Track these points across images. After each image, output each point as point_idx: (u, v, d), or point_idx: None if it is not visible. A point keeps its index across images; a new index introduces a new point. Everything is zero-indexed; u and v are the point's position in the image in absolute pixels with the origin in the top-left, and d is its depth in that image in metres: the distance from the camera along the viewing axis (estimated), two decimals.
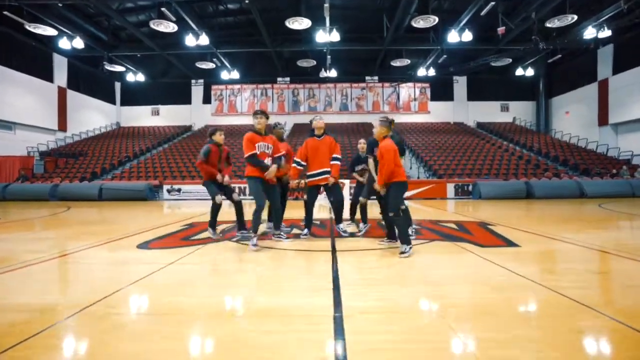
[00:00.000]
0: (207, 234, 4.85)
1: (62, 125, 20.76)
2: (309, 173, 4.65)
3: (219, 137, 4.74)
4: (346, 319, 2.03)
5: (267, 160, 4.19)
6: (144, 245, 4.36)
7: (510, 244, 4.29)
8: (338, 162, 4.64)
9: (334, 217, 4.98)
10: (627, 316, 2.03)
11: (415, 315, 2.16)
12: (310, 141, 4.67)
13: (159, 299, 2.46)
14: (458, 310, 2.18)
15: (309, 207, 4.77)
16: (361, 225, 5.14)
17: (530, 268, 3.17)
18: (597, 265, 3.43)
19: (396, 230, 3.97)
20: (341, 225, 4.84)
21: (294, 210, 8.88)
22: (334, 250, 4.03)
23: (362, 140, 5.37)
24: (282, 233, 4.65)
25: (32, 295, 2.53)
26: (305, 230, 4.82)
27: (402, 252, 3.61)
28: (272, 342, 1.78)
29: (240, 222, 4.68)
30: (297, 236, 4.96)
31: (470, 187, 13.14)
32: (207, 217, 5.63)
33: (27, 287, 2.73)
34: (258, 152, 4.14)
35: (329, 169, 4.60)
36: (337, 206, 4.72)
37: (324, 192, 4.82)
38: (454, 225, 5.77)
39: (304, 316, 2.12)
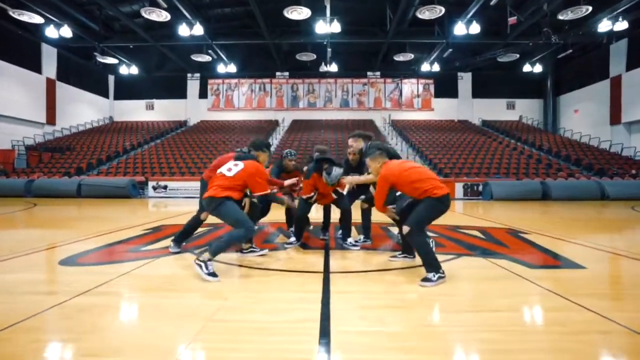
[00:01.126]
0: (167, 242, 4.00)
1: (51, 119, 19.92)
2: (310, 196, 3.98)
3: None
4: None
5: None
6: (71, 260, 3.32)
7: (568, 263, 3.24)
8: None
9: (340, 231, 4.15)
10: None
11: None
12: (317, 175, 3.80)
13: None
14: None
15: (299, 220, 4.04)
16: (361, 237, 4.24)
17: (623, 308, 2.17)
18: None
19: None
20: (350, 240, 3.96)
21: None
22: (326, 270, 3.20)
23: (352, 143, 4.19)
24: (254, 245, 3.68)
25: None
26: (293, 239, 4.09)
27: (426, 280, 2.60)
28: None
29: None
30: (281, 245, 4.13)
31: (480, 187, 12.26)
32: (182, 219, 4.86)
33: None
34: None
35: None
36: (346, 217, 3.97)
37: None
38: (478, 233, 4.76)
39: None
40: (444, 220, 3.79)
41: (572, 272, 2.97)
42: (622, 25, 14.42)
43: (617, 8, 14.18)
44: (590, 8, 14.13)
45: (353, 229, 4.23)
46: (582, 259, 3.36)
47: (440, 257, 2.91)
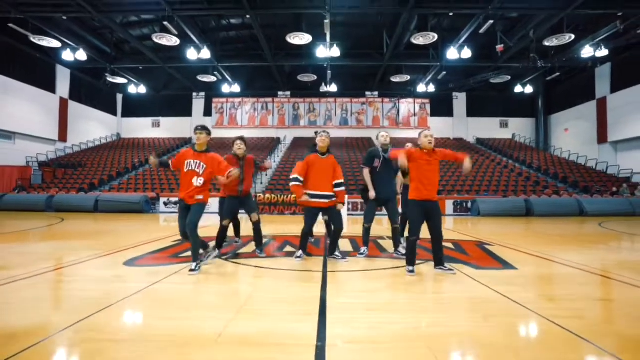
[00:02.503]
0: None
1: (63, 136, 20.81)
2: (309, 192, 4.21)
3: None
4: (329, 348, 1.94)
5: (196, 180, 3.78)
6: (131, 262, 4.25)
7: (506, 265, 4.18)
8: (344, 189, 4.33)
9: (329, 245, 4.61)
10: (628, 351, 1.93)
11: (401, 345, 2.03)
12: (314, 158, 4.24)
13: (139, 322, 2.37)
14: (446, 340, 2.08)
15: (306, 232, 4.38)
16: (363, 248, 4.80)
17: (526, 293, 3.06)
18: (598, 291, 3.30)
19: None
20: (337, 253, 4.49)
21: (293, 225, 8.81)
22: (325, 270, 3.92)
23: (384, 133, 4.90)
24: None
25: (9, 315, 2.44)
26: (300, 252, 4.49)
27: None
28: None
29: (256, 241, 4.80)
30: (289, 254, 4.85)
31: (469, 204, 13.04)
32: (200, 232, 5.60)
33: (7, 306, 2.63)
34: (185, 170, 3.83)
35: (332, 194, 4.25)
36: (336, 236, 4.44)
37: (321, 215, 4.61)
38: (451, 245, 5.63)
39: (283, 345, 2.03)
40: (426, 234, 4.51)
41: (505, 272, 3.89)
42: (602, 52, 15.41)
43: (597, 36, 15.19)
44: (573, 36, 15.15)
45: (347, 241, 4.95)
46: (519, 262, 4.33)
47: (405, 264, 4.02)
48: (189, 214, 3.79)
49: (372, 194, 4.56)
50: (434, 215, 3.74)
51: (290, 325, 2.32)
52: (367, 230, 4.75)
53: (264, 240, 6.12)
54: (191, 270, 3.69)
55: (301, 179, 4.19)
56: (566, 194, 14.16)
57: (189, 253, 4.79)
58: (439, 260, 3.87)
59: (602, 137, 19.65)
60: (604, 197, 13.43)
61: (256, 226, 4.68)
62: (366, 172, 4.65)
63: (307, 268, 4.06)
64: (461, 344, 2.05)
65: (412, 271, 3.75)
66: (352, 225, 9.36)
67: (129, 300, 2.80)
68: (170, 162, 4.01)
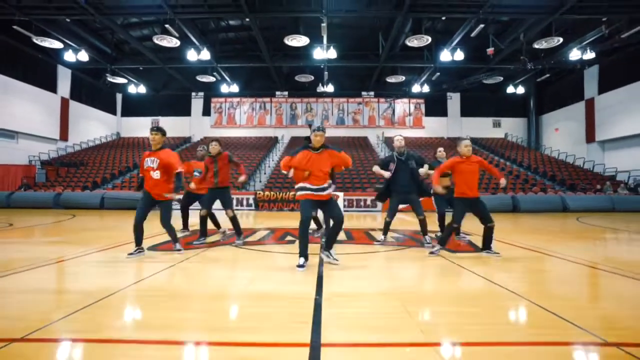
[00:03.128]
0: (215, 237, 5.65)
1: (64, 135, 21.15)
2: (304, 185, 3.96)
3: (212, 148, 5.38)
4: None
5: (154, 174, 4.34)
6: (154, 248, 4.86)
7: (477, 249, 4.87)
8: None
9: (325, 239, 4.33)
10: (538, 297, 2.49)
11: (379, 299, 2.74)
12: (305, 155, 3.97)
13: (190, 281, 3.11)
14: (424, 309, 2.62)
15: (304, 229, 3.90)
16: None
17: (488, 270, 3.73)
18: (539, 266, 4.01)
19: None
20: (333, 252, 4.07)
21: (292, 221, 9.29)
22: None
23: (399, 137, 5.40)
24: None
25: (74, 283, 3.14)
26: (302, 260, 3.81)
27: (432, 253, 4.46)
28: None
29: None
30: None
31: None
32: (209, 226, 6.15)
33: (67, 278, 3.33)
34: (144, 167, 4.44)
35: (327, 186, 3.97)
36: (337, 229, 3.99)
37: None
38: (434, 235, 6.13)
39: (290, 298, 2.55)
40: (415, 225, 5.16)
41: (474, 254, 4.61)
42: (589, 55, 16.00)
43: (584, 40, 15.79)
44: (562, 39, 15.73)
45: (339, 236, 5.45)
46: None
47: (397, 248, 5.02)
48: (160, 211, 4.48)
49: (387, 174, 5.16)
50: (477, 208, 4.41)
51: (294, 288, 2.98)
52: (388, 224, 5.34)
53: (265, 233, 6.63)
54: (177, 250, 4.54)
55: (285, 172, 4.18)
56: (552, 192, 14.76)
57: (203, 240, 5.45)
58: (486, 244, 4.49)
59: (590, 137, 20.30)
60: (587, 194, 14.03)
61: (232, 220, 5.28)
62: (376, 167, 5.33)
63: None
64: (428, 300, 2.74)
65: (434, 253, 4.46)
66: (347, 221, 9.83)
67: (162, 274, 3.47)
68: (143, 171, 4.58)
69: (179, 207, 6.59)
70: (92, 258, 4.23)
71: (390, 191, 5.25)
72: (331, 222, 4.11)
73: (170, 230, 4.51)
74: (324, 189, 3.97)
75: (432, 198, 5.75)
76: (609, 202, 12.89)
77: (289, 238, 5.98)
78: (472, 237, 5.92)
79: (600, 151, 19.86)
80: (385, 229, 5.39)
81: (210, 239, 5.63)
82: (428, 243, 5.10)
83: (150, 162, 4.35)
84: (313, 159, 3.95)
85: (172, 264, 3.88)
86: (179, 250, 4.50)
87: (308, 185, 3.97)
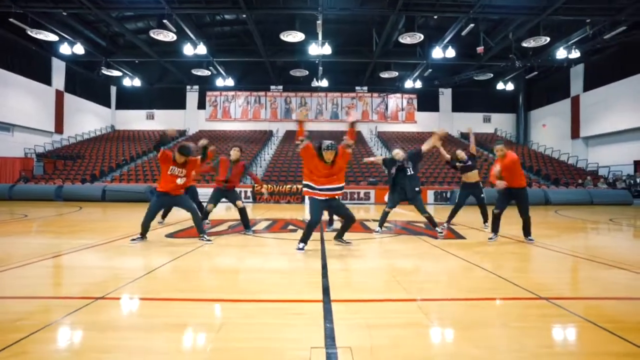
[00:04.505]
0: (221, 227, 6.06)
1: (59, 128, 21.21)
2: (311, 185, 4.22)
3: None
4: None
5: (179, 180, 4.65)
6: (171, 235, 5.33)
7: (458, 236, 5.52)
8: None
9: (338, 232, 4.73)
10: (496, 269, 2.97)
11: (374, 273, 3.26)
12: (317, 159, 4.18)
13: (204, 264, 3.39)
14: (409, 279, 3.11)
15: (310, 231, 4.26)
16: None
17: (466, 252, 4.27)
18: (510, 249, 4.60)
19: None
20: (345, 239, 4.65)
21: (290, 212, 9.76)
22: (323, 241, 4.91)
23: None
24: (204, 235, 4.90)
25: (118, 261, 3.49)
26: (302, 244, 4.24)
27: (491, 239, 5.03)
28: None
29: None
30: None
31: (448, 194, 14.22)
32: (212, 216, 6.57)
33: (109, 258, 3.76)
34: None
35: (336, 186, 4.21)
36: (350, 223, 4.45)
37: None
38: (422, 225, 6.82)
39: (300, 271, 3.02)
40: (406, 217, 5.65)
41: (456, 241, 5.24)
42: (575, 54, 16.62)
43: (571, 39, 16.38)
44: (549, 38, 16.30)
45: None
46: (469, 235, 5.71)
47: (387, 235, 5.54)
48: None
49: (378, 159, 5.96)
50: (518, 199, 4.93)
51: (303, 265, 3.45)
52: (386, 214, 5.67)
53: (267, 224, 7.09)
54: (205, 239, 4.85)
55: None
56: (536, 186, 15.45)
57: (214, 229, 5.94)
58: (526, 233, 5.01)
59: (575, 133, 21.04)
60: (569, 189, 14.76)
61: (241, 211, 5.62)
62: (379, 160, 5.88)
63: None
64: (415, 274, 3.25)
65: (492, 238, 5.03)
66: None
67: (189, 255, 3.93)
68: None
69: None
70: (120, 243, 4.65)
71: (395, 184, 5.58)
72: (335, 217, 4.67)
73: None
74: (332, 190, 4.20)
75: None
76: (587, 196, 13.62)
77: (291, 227, 6.48)
78: (456, 227, 6.51)
79: (584, 147, 20.63)
80: (383, 220, 5.71)
81: (215, 229, 6.08)
82: (440, 233, 5.49)
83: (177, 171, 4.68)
84: (330, 170, 4.18)
85: (192, 248, 4.35)
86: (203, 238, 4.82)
87: (315, 186, 4.19)
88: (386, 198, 6.16)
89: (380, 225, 5.76)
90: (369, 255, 4.19)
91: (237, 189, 5.95)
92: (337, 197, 4.31)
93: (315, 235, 5.50)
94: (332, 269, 3.30)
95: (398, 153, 5.62)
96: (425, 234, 5.74)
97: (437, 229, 5.53)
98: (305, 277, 3.08)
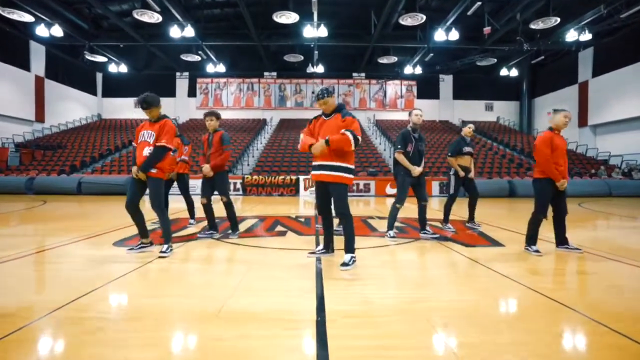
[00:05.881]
0: (189, 230, 4.90)
1: (40, 116, 20.05)
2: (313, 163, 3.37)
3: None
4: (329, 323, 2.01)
5: (147, 150, 3.55)
6: (121, 243, 4.18)
7: (494, 243, 4.35)
8: (348, 135, 3.08)
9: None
10: (608, 317, 2.07)
11: (399, 319, 2.09)
12: (315, 122, 3.44)
13: (133, 301, 2.39)
14: (443, 313, 2.16)
15: (323, 219, 3.53)
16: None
17: (514, 269, 3.16)
18: (578, 266, 3.43)
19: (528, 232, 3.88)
20: (348, 257, 3.19)
21: (282, 206, 8.85)
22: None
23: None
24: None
25: (2, 295, 2.43)
26: (320, 247, 3.61)
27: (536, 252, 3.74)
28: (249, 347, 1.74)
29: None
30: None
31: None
32: (187, 214, 5.63)
33: None
34: (138, 142, 3.65)
35: (333, 163, 3.17)
36: (345, 229, 3.29)
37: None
38: (439, 224, 5.66)
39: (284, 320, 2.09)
40: (415, 213, 4.71)
41: (493, 249, 4.07)
42: (586, 36, 15.62)
43: (583, 20, 15.35)
44: (559, 19, 15.27)
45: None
46: (505, 240, 4.53)
47: (402, 241, 4.41)
48: (149, 192, 3.56)
49: (415, 171, 4.49)
50: (561, 192, 3.76)
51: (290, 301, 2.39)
52: (397, 211, 4.61)
53: (254, 222, 6.16)
54: (162, 252, 3.50)
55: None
56: None
57: (181, 233, 4.89)
58: (563, 239, 3.87)
59: (582, 121, 20.15)
60: (583, 179, 13.90)
61: (226, 206, 4.54)
62: (401, 157, 4.53)
63: (298, 246, 4.12)
64: (457, 317, 2.10)
65: (538, 251, 3.70)
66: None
67: (123, 279, 2.78)
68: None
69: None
70: (34, 260, 3.66)
71: (404, 173, 4.57)
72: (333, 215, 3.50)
73: (163, 219, 3.77)
74: (328, 167, 3.17)
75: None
76: (605, 187, 12.78)
77: (279, 229, 5.47)
78: (482, 228, 5.54)
79: (592, 135, 19.76)
80: (393, 220, 4.64)
81: (185, 232, 5.05)
82: (427, 233, 4.65)
83: (147, 135, 3.64)
84: (323, 126, 3.30)
85: (137, 265, 3.24)
86: (164, 252, 3.56)
87: (314, 163, 3.33)
88: (388, 190, 5.25)
89: (391, 227, 4.64)
90: (385, 283, 2.78)
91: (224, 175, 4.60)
92: (332, 181, 3.18)
93: (309, 239, 4.60)
94: (334, 330, 1.89)
95: (419, 114, 4.76)
96: (450, 238, 4.64)
97: (427, 229, 4.72)
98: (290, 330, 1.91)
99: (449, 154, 5.59)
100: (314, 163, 3.33)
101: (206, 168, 4.43)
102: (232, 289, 2.58)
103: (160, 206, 3.59)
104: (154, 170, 3.53)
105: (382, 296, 2.47)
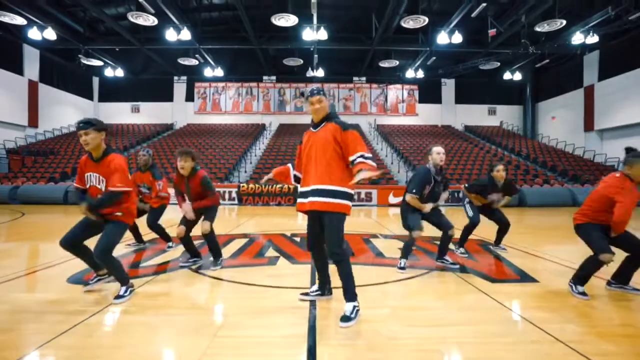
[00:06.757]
0: (168, 255, 4.31)
1: (33, 121, 19.59)
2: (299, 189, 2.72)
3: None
4: None
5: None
6: (78, 278, 3.36)
7: (524, 277, 3.56)
8: (368, 161, 2.37)
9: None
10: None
11: None
12: (305, 136, 2.74)
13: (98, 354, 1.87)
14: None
15: (316, 260, 2.86)
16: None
17: (563, 324, 2.37)
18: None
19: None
20: (349, 307, 2.44)
21: (278, 219, 8.34)
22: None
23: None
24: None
25: None
26: (314, 288, 2.91)
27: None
28: None
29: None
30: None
31: (461, 194, 12.75)
32: (171, 231, 4.90)
33: None
34: (88, 186, 2.91)
35: (331, 187, 2.47)
36: (340, 269, 2.51)
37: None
38: (452, 246, 4.69)
39: None
40: (425, 231, 3.99)
41: (526, 287, 3.27)
42: (593, 39, 15.21)
43: (589, 22, 14.93)
44: (565, 22, 14.88)
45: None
46: (538, 272, 3.72)
47: (413, 272, 3.63)
48: (103, 235, 2.80)
49: (427, 208, 3.82)
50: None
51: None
52: (414, 241, 3.90)
53: (244, 242, 5.62)
54: (116, 298, 2.75)
55: (299, 175, 2.79)
56: (557, 183, 14.06)
57: (157, 259, 4.22)
58: (626, 278, 3.12)
59: (588, 125, 19.66)
60: (594, 187, 13.39)
61: (206, 237, 3.80)
62: (415, 201, 3.77)
63: (289, 282, 3.59)
64: None
65: (584, 294, 2.95)
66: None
67: (81, 326, 2.24)
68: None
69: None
70: None
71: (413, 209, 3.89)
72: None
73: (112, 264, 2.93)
74: (317, 192, 2.46)
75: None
76: None
77: (269, 253, 4.64)
78: (507, 252, 4.76)
79: (598, 140, 19.27)
80: (409, 250, 3.90)
81: (162, 258, 4.33)
82: (445, 262, 3.96)
83: (95, 180, 2.92)
84: (312, 141, 2.59)
85: (85, 315, 2.71)
86: (121, 297, 2.78)
87: (300, 189, 2.64)
88: (391, 199, 4.61)
89: (406, 257, 3.87)
90: (396, 347, 2.04)
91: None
92: (328, 210, 2.45)
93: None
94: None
95: (442, 153, 3.80)
96: (470, 267, 3.88)
97: (446, 257, 3.97)
98: None
99: (466, 188, 4.91)
100: (301, 189, 2.61)
101: (187, 207, 3.75)
102: (199, 353, 1.93)
103: (109, 255, 2.78)
104: (119, 214, 2.85)
105: None
